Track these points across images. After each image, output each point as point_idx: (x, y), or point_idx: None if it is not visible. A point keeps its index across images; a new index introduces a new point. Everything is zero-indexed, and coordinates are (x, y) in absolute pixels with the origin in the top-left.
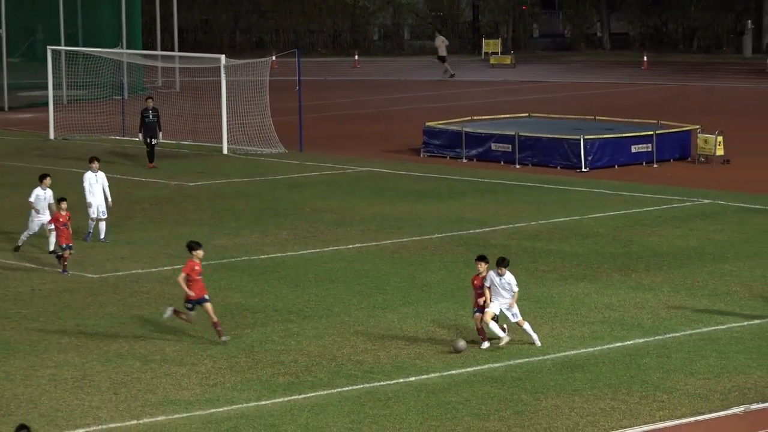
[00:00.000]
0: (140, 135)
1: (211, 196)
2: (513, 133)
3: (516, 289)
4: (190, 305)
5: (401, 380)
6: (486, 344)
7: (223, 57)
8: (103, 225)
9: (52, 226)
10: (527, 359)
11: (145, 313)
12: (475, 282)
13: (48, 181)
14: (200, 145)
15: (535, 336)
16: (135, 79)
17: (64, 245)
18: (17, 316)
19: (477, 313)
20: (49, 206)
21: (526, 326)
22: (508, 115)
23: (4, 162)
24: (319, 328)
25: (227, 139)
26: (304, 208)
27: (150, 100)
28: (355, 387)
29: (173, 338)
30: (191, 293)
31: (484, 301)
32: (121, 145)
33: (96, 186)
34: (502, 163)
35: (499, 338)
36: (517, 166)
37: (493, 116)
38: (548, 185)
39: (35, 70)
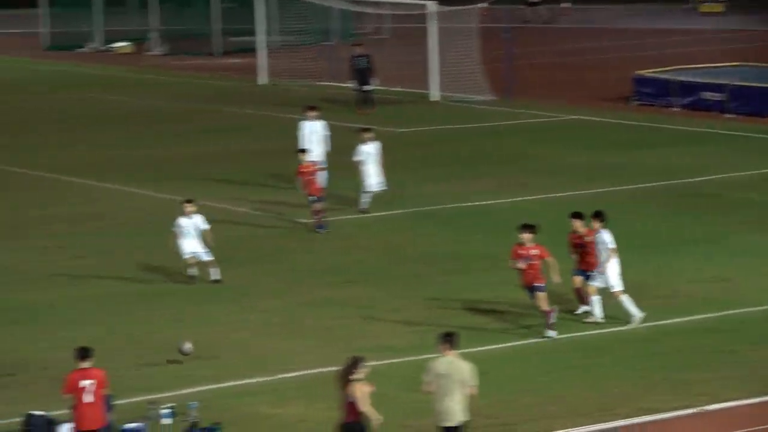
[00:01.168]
0: (352, 81)
1: (419, 143)
2: (725, 82)
3: (612, 246)
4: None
5: (610, 330)
6: (584, 308)
7: (432, 3)
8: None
9: (204, 257)
10: (741, 310)
11: (355, 259)
12: (577, 240)
13: (191, 207)
14: (409, 91)
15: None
16: (344, 25)
17: (312, 197)
18: (229, 261)
19: (578, 276)
20: (203, 234)
21: (624, 299)
22: (719, 64)
23: (214, 107)
24: None
25: (436, 86)
26: (513, 155)
27: (359, 47)
28: (563, 336)
29: (384, 288)
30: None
31: (590, 263)
32: (330, 92)
33: (314, 135)
34: (713, 112)
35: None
36: (729, 116)
37: (703, 65)
38: (760, 135)
39: (246, 15)
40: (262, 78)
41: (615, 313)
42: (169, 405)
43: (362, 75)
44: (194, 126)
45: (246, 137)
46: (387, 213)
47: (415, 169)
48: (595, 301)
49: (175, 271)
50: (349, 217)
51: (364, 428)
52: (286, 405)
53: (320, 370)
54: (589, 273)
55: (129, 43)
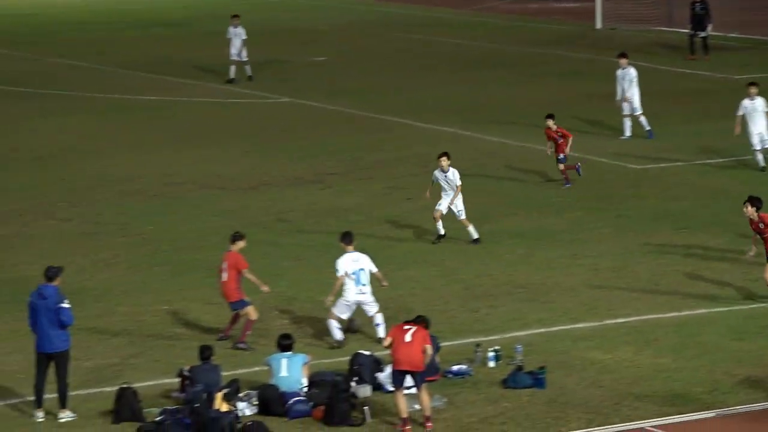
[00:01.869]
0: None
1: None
2: None
3: None
4: None
5: None
6: None
7: None
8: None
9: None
10: None
11: (686, 205)
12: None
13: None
14: (750, 38)
15: None
16: None
17: (560, 156)
18: (558, 204)
19: None
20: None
21: None
22: None
23: (548, 50)
24: None
25: None
26: None
27: None
28: None
29: (715, 236)
30: None
31: None
32: (667, 36)
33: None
34: None
35: None
36: None
37: None
38: None
39: None
40: (600, 22)
41: None
42: (494, 348)
43: (698, 21)
44: (539, 69)
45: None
46: (720, 160)
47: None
48: None
49: (510, 214)
50: (680, 164)
51: None
52: (614, 350)
53: (649, 316)
54: None
55: None
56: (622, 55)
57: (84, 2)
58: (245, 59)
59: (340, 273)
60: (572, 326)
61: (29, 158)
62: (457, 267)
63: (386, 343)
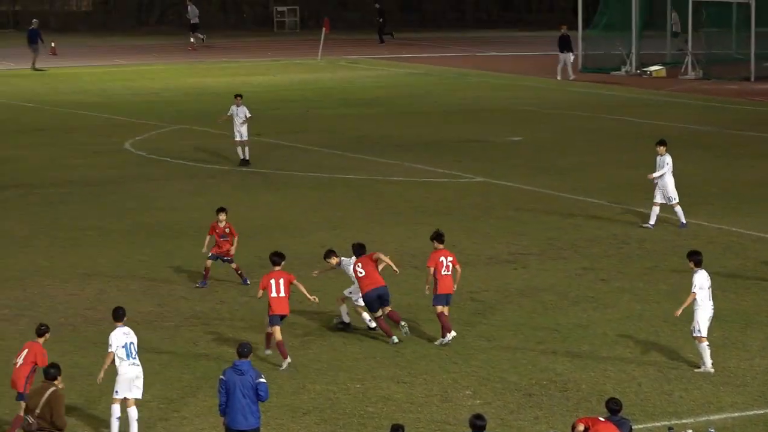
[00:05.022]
0: None
1: None
2: None
3: None
4: None
5: None
6: None
7: None
8: None
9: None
10: None
11: None
12: None
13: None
14: None
15: None
16: None
17: None
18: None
19: None
20: None
21: None
22: None
23: (745, 132)
24: None
25: None
26: None
27: None
28: None
29: None
30: None
31: None
32: None
33: None
34: None
35: None
36: None
37: None
38: None
39: None
40: None
41: None
42: (687, 431)
43: None
44: (741, 151)
45: None
46: None
47: None
48: None
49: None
50: None
51: None
52: None
53: None
54: None
55: (662, 66)
56: None
57: (278, 81)
58: (245, 138)
59: None
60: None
61: None
62: (649, 349)
63: None
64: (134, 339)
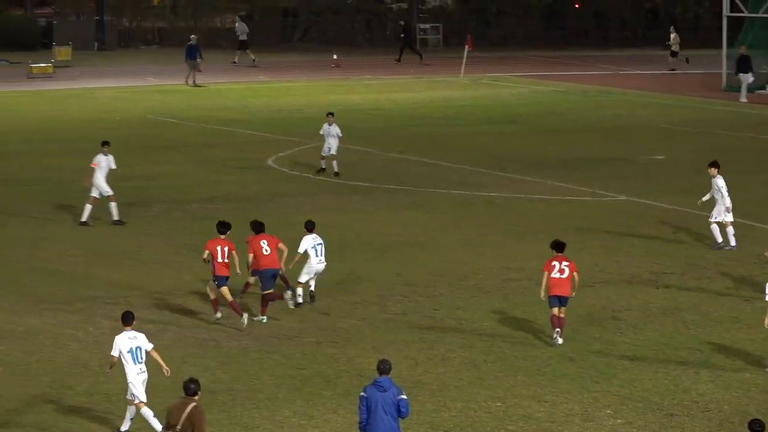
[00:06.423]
0: None
1: None
2: None
3: None
4: None
5: None
6: None
7: None
8: None
9: None
10: None
11: None
12: None
13: None
14: None
15: None
16: None
17: None
18: None
19: None
20: None
21: None
22: None
23: None
24: None
25: None
26: None
27: None
28: None
29: None
30: None
31: None
32: None
33: None
34: None
35: None
36: None
37: None
38: None
39: None
40: None
41: None
42: None
43: None
44: None
45: None
46: None
47: None
48: None
49: None
50: None
51: None
52: None
53: None
54: None
55: None
56: None
57: (421, 98)
58: (333, 153)
59: None
60: None
61: (370, 249)
62: None
63: None
64: (141, 344)
